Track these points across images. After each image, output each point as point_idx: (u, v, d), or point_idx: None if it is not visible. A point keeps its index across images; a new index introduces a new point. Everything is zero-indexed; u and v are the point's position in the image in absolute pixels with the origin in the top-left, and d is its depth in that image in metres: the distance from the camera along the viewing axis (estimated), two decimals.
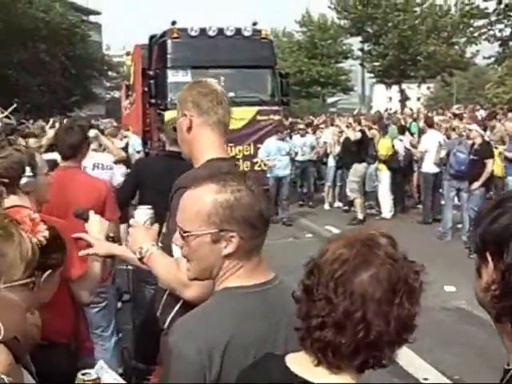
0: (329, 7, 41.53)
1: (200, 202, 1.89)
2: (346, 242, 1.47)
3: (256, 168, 14.14)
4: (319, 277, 1.45)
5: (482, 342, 6.35)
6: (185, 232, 1.90)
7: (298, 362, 1.52)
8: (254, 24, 15.66)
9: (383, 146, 13.79)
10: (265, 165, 13.94)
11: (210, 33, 14.99)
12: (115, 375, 2.56)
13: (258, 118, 15.04)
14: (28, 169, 3.19)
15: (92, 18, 63.19)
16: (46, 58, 41.34)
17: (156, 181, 4.85)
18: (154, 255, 2.58)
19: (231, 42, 15.04)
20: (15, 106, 13.30)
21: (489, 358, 5.66)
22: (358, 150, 13.94)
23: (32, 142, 7.71)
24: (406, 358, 5.74)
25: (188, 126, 2.75)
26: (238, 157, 14.91)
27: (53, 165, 4.63)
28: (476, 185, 10.82)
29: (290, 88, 16.65)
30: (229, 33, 15.11)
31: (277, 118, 15.38)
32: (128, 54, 21.01)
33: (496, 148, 11.74)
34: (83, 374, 2.36)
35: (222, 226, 1.85)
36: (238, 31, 15.18)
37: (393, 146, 14.01)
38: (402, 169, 14.40)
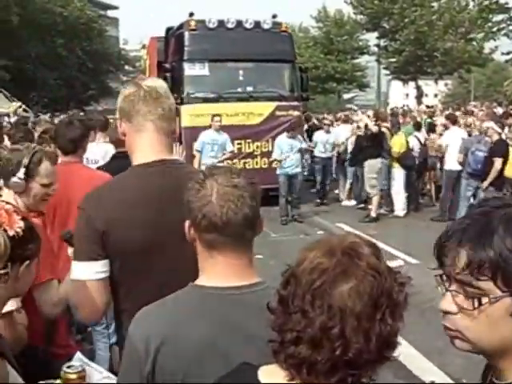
0: (345, 2, 40.58)
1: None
2: (326, 251, 1.34)
3: (274, 166, 13.39)
4: (296, 287, 1.32)
5: None
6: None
7: (271, 376, 1.38)
8: (274, 17, 14.89)
9: (396, 143, 13.15)
10: (279, 162, 13.17)
11: (229, 25, 14.26)
12: (97, 366, 2.55)
13: (277, 113, 14.37)
14: (22, 171, 3.20)
15: (109, 13, 62.72)
16: (64, 52, 40.93)
17: None
18: None
19: (250, 35, 14.33)
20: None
21: None
22: (372, 145, 13.11)
23: None
24: (414, 360, 5.76)
25: (122, 132, 2.55)
26: (255, 153, 14.20)
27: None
28: (484, 184, 10.61)
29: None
30: (248, 25, 14.38)
31: (296, 113, 14.70)
32: (144, 46, 20.27)
33: None
34: (68, 367, 2.29)
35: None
36: (258, 24, 14.46)
37: (407, 143, 13.36)
38: (417, 166, 13.82)
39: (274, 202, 12.75)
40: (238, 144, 14.03)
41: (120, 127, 2.54)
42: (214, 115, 12.66)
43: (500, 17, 34.87)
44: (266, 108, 14.30)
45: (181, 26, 14.61)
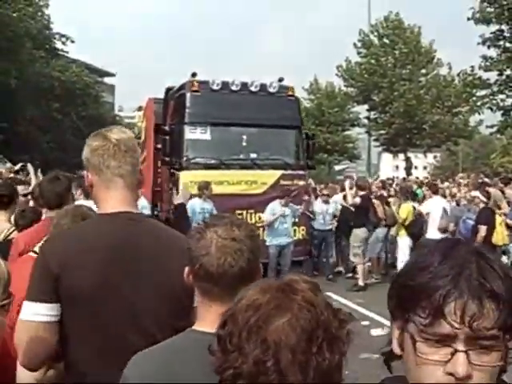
0: (336, 75, 40.06)
1: None
2: (262, 288, 1.29)
3: None
4: (233, 326, 1.25)
5: None
6: None
7: None
8: (280, 80, 13.40)
9: (404, 210, 12.62)
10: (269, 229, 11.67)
11: (233, 87, 12.78)
12: None
13: (282, 182, 12.80)
14: None
15: (106, 80, 61.83)
16: (58, 116, 39.68)
17: None
18: None
19: (255, 99, 12.88)
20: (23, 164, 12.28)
21: None
22: (357, 215, 12.79)
23: (20, 188, 7.05)
24: None
25: (89, 184, 2.47)
26: (257, 225, 12.48)
27: (36, 216, 4.67)
28: None
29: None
30: (253, 88, 12.92)
31: (302, 183, 13.16)
32: (140, 108, 18.63)
33: (500, 216, 11.02)
34: None
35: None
36: (263, 87, 13.01)
37: (414, 212, 12.71)
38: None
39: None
40: (239, 215, 12.31)
41: (87, 178, 2.47)
42: (207, 184, 11.18)
43: (483, 92, 34.27)
44: (270, 176, 12.73)
45: (182, 87, 13.08)
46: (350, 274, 13.69)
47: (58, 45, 40.74)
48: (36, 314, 2.16)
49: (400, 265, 12.61)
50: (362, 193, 12.89)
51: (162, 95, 14.31)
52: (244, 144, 12.88)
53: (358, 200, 12.56)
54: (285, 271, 11.71)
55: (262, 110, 12.69)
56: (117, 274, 2.20)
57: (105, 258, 2.21)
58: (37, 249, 3.09)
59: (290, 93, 13.36)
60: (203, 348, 1.47)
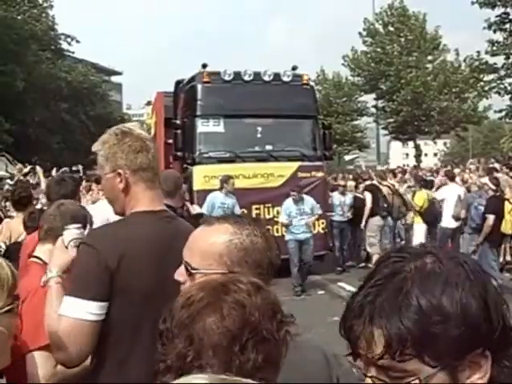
0: (342, 65, 39.37)
1: (214, 240, 1.68)
2: (199, 286, 1.32)
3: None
4: (170, 322, 1.27)
5: None
6: (192, 268, 1.68)
7: None
8: (294, 68, 12.62)
9: (419, 198, 12.39)
10: (286, 227, 10.93)
11: (246, 77, 12.03)
12: None
13: (299, 174, 12.06)
14: None
15: (113, 78, 61.07)
16: (67, 116, 39.03)
17: None
18: (50, 287, 2.37)
19: (269, 88, 12.11)
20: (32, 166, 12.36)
21: None
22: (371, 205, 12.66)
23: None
24: None
25: (124, 185, 2.34)
26: (276, 219, 11.78)
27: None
28: (479, 239, 10.11)
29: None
30: (267, 78, 12.16)
31: (320, 174, 12.41)
32: (149, 103, 17.83)
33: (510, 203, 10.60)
34: None
35: (233, 268, 1.64)
36: (277, 76, 12.24)
37: (429, 200, 12.42)
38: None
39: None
40: (257, 209, 11.68)
41: (119, 177, 2.34)
42: (227, 178, 10.36)
43: (491, 76, 33.59)
44: (287, 169, 11.99)
45: (192, 79, 12.34)
46: (363, 264, 13.14)
47: (64, 45, 40.24)
48: (88, 312, 2.13)
49: None
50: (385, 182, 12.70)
51: (171, 89, 13.53)
52: (259, 136, 12.15)
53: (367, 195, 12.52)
54: (307, 267, 11.15)
55: (276, 100, 11.97)
56: (168, 266, 2.05)
57: (158, 252, 2.22)
58: (38, 253, 2.95)
59: (305, 81, 12.61)
60: None
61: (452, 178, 12.79)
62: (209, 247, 1.68)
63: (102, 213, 5.32)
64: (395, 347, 0.98)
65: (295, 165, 12.05)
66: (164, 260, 2.17)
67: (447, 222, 11.91)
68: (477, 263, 1.08)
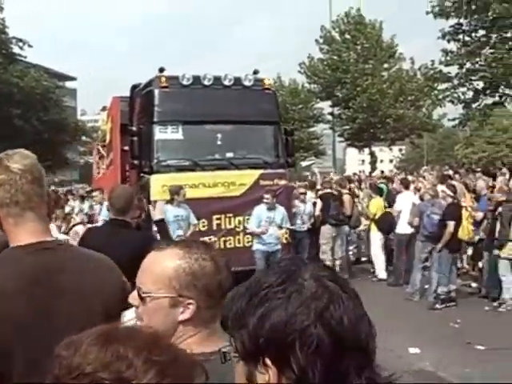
0: (299, 72, 39.04)
1: (163, 265, 1.72)
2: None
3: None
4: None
5: None
6: (144, 292, 1.72)
7: None
8: (255, 72, 12.07)
9: (374, 206, 12.62)
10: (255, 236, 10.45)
11: (205, 82, 11.41)
12: None
13: (261, 182, 11.44)
14: None
15: (68, 84, 59.44)
16: (19, 122, 37.49)
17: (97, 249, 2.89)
18: None
19: (230, 93, 11.53)
20: None
21: None
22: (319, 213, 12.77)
23: None
24: None
25: None
26: (237, 230, 11.21)
27: None
28: (438, 246, 10.22)
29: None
30: (227, 82, 11.56)
31: (283, 182, 11.85)
32: (104, 108, 16.98)
33: (467, 210, 10.96)
34: None
35: (182, 292, 1.70)
36: (238, 80, 11.68)
37: (385, 207, 12.76)
38: None
39: None
40: (218, 219, 11.06)
41: None
42: (178, 188, 9.77)
43: (445, 85, 33.96)
44: (248, 177, 11.41)
45: (149, 83, 11.64)
46: None
47: (15, 49, 38.74)
48: None
49: (374, 259, 12.95)
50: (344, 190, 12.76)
51: (127, 94, 12.81)
52: (219, 143, 11.55)
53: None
54: None
55: (237, 106, 11.43)
56: (37, 307, 2.06)
57: (27, 285, 2.08)
58: None
59: (267, 86, 12.07)
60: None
61: (407, 187, 12.77)
62: (159, 272, 1.71)
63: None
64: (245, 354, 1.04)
65: (257, 172, 11.49)
66: (37, 292, 2.06)
67: (403, 228, 11.93)
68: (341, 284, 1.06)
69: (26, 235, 2.17)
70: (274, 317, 1.01)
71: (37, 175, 2.20)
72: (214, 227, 10.87)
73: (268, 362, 1.02)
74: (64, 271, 2.02)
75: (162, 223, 5.73)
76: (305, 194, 13.02)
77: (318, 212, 12.66)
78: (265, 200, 10.45)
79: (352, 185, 15.75)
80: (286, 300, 1.02)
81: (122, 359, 1.01)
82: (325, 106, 41.04)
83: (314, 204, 12.96)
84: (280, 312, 1.01)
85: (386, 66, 37.64)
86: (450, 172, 19.46)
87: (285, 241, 11.46)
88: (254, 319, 1.03)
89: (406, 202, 11.98)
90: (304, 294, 1.02)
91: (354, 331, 1.02)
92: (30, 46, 38.89)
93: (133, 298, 1.75)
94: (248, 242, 11.13)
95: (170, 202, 9.67)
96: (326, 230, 12.54)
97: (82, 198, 17.54)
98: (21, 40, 38.50)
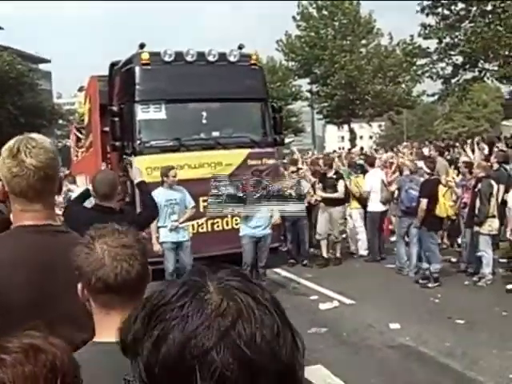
0: (276, 49, 38.29)
1: None
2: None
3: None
4: None
5: (427, 379, 5.99)
6: None
7: None
8: (240, 48, 11.39)
9: (355, 184, 12.37)
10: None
11: (189, 58, 10.74)
12: None
13: (250, 162, 10.90)
14: None
15: (42, 66, 57.88)
16: None
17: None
18: None
19: (214, 70, 10.90)
20: None
21: None
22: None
23: None
24: None
25: (5, 196, 2.62)
26: None
27: None
28: (414, 222, 10.10)
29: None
30: (211, 58, 10.90)
31: (271, 161, 11.27)
32: (81, 89, 16.11)
33: (445, 186, 10.62)
34: None
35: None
36: (223, 56, 11.04)
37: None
38: None
39: None
40: (204, 201, 10.40)
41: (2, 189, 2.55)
42: (167, 169, 9.00)
43: (423, 61, 33.48)
44: (235, 157, 10.84)
45: (129, 61, 10.92)
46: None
47: None
48: None
49: (355, 235, 12.77)
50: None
51: (106, 73, 12.05)
52: (204, 121, 10.91)
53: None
54: (259, 266, 9.83)
55: (222, 82, 10.80)
56: (48, 280, 2.13)
57: (33, 271, 2.14)
58: None
59: (253, 61, 11.45)
60: (108, 357, 1.46)
61: (372, 164, 12.37)
62: None
63: None
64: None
65: (245, 152, 10.92)
66: (43, 273, 2.14)
67: (375, 206, 11.85)
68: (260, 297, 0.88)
69: (31, 220, 2.25)
70: (169, 341, 0.84)
71: (51, 173, 2.24)
72: (201, 209, 10.25)
73: None
74: (59, 252, 2.05)
75: (143, 184, 5.31)
76: (297, 171, 12.39)
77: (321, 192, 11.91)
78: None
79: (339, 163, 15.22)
80: (183, 319, 0.84)
81: None
82: (303, 84, 40.59)
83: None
84: (176, 334, 0.84)
85: (364, 42, 37.15)
86: (426, 150, 19.17)
87: (278, 222, 10.86)
88: (148, 344, 0.86)
89: (374, 180, 11.80)
90: (205, 311, 0.84)
91: (271, 351, 0.84)
92: (1, 28, 37.65)
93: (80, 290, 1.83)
94: (237, 223, 10.56)
95: (161, 184, 8.98)
96: (341, 210, 11.96)
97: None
98: None
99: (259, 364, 0.83)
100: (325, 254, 11.82)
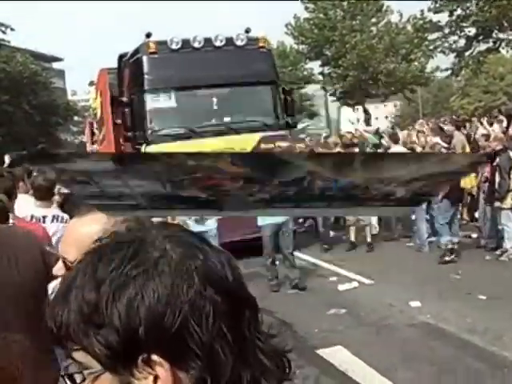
0: (286, 33, 37.83)
1: (87, 230, 1.58)
2: None
3: None
4: None
5: (449, 356, 5.86)
6: (70, 262, 1.61)
7: None
8: (247, 31, 11.29)
9: None
10: None
11: (196, 44, 10.67)
12: None
13: (263, 146, 10.73)
14: None
15: (55, 65, 58.11)
16: (9, 108, 36.61)
17: None
18: None
19: (222, 55, 10.79)
20: None
21: (454, 373, 5.39)
22: None
23: None
24: (373, 379, 5.42)
25: None
26: None
27: None
28: (438, 197, 9.52)
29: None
30: (218, 43, 10.81)
31: (284, 144, 11.08)
32: (92, 83, 16.06)
33: None
34: None
35: None
36: (230, 40, 10.96)
37: None
38: None
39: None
40: None
41: None
42: None
43: (435, 35, 32.92)
44: (248, 141, 10.67)
45: (137, 51, 10.87)
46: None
47: None
48: None
49: None
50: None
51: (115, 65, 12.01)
52: (215, 107, 10.85)
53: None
54: (288, 254, 9.09)
55: (231, 67, 10.71)
56: None
57: None
58: None
59: (262, 44, 11.31)
60: None
61: (396, 141, 12.17)
62: (82, 238, 1.57)
63: (21, 207, 5.06)
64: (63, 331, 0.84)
65: (257, 136, 10.80)
66: None
67: None
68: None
69: None
70: (149, 296, 0.81)
71: None
72: None
73: (155, 357, 0.81)
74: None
75: None
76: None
77: None
78: None
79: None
80: (152, 272, 0.82)
81: None
82: (314, 66, 40.05)
83: None
84: (155, 287, 0.81)
85: (373, 20, 36.53)
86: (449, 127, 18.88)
87: None
88: (119, 309, 0.81)
89: None
90: (172, 258, 0.84)
91: (238, 284, 0.88)
92: (12, 29, 37.88)
93: (58, 269, 1.70)
94: None
95: None
96: None
97: None
98: (3, 24, 37.45)
99: (236, 295, 0.86)
100: (353, 238, 11.46)
